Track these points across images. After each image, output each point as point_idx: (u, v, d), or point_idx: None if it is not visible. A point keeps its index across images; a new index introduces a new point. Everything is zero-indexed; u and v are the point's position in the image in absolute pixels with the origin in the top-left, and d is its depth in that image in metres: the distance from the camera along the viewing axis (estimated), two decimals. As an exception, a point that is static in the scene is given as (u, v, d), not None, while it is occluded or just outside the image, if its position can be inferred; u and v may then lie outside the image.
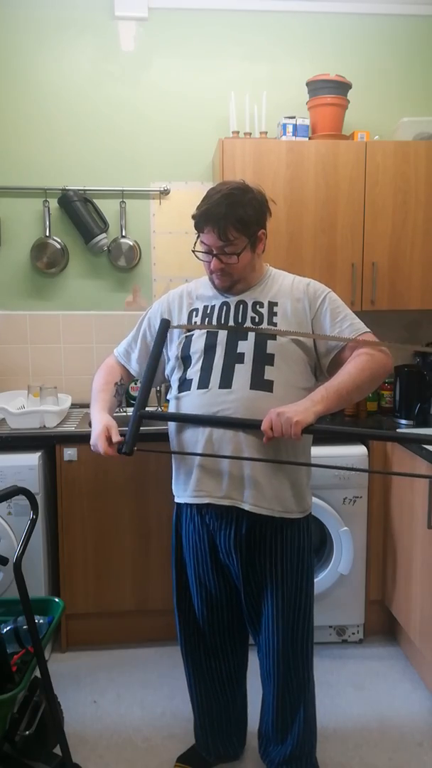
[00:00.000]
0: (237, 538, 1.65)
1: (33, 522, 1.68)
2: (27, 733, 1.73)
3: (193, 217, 1.64)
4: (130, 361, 1.87)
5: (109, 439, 1.62)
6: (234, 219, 1.59)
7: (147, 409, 1.68)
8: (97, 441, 1.64)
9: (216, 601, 1.76)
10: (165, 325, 1.73)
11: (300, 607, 1.72)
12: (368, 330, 1.71)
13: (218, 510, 1.64)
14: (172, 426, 1.73)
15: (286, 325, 1.67)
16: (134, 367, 1.87)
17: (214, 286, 1.74)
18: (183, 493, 1.71)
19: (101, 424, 1.66)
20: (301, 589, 1.72)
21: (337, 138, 2.70)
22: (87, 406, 2.82)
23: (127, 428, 1.61)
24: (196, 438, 1.63)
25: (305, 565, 1.73)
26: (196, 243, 1.69)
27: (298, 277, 1.79)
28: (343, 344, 1.68)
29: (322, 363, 1.71)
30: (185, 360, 1.70)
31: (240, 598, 1.74)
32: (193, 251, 1.68)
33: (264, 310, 1.69)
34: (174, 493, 1.77)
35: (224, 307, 1.72)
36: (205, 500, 1.65)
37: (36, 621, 1.66)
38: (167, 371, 1.79)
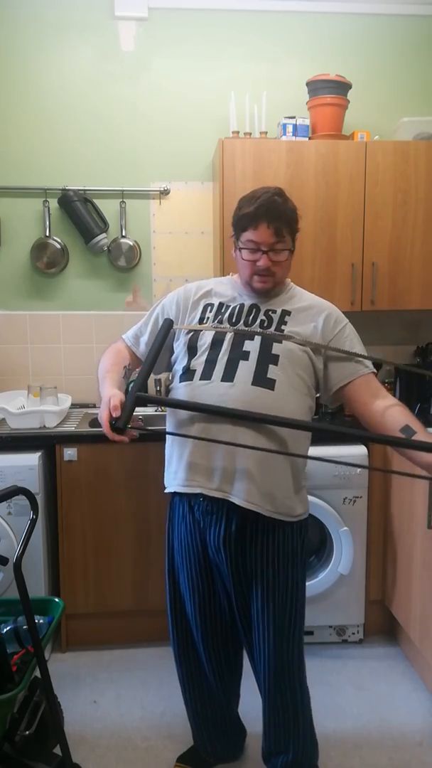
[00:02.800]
0: (226, 534, 1.63)
1: (33, 522, 1.68)
2: (27, 733, 1.73)
3: (244, 215, 1.63)
4: (139, 344, 1.85)
5: (110, 412, 1.54)
6: (288, 217, 1.63)
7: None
8: (101, 418, 1.55)
9: (208, 605, 1.75)
10: (168, 325, 1.73)
11: (291, 613, 1.70)
12: (375, 371, 1.73)
13: (209, 504, 1.63)
14: (170, 420, 1.72)
15: (294, 333, 1.67)
16: (142, 350, 1.84)
17: (251, 289, 1.71)
18: (173, 482, 1.69)
19: (108, 396, 1.58)
20: (292, 594, 1.70)
21: (337, 138, 2.70)
22: (87, 405, 2.86)
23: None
24: (193, 431, 1.62)
25: (297, 570, 1.71)
26: (237, 243, 1.68)
27: (318, 297, 1.79)
28: (355, 377, 1.68)
29: (329, 386, 1.71)
30: (191, 350, 1.70)
31: (231, 602, 1.73)
32: (239, 249, 1.67)
33: (275, 316, 1.70)
34: (165, 484, 1.74)
35: (237, 308, 1.72)
36: (197, 490, 1.63)
37: (36, 621, 1.65)
38: (172, 359, 1.78)
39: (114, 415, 1.52)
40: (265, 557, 1.66)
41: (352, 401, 1.70)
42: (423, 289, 2.73)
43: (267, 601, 1.67)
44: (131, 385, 1.68)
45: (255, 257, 1.64)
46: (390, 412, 1.62)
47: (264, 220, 1.61)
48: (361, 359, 1.70)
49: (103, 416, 1.53)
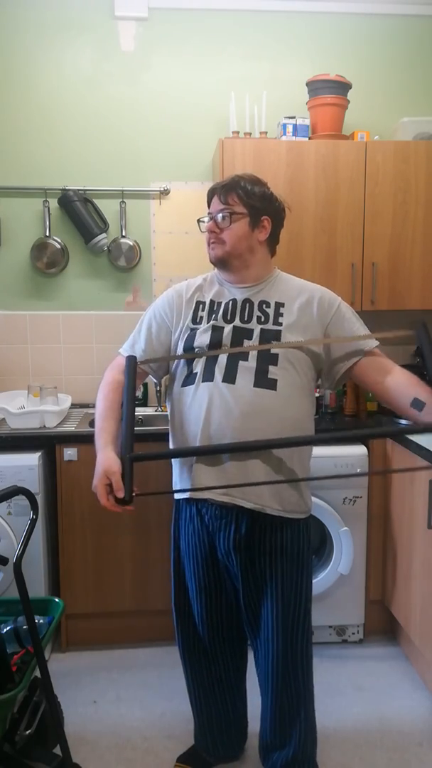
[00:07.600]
0: (236, 538, 1.64)
1: (33, 522, 1.68)
2: (27, 733, 1.73)
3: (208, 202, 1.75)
4: (136, 352, 1.82)
5: (108, 486, 1.53)
6: (237, 188, 1.69)
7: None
8: (96, 490, 1.54)
9: (215, 604, 1.76)
10: (132, 362, 1.67)
11: (299, 609, 1.72)
12: (378, 342, 1.73)
13: (218, 509, 1.64)
14: (174, 437, 1.72)
15: (291, 326, 1.67)
16: (141, 358, 1.80)
17: (212, 263, 1.73)
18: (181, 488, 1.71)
19: (102, 468, 1.54)
20: (300, 590, 1.71)
21: (337, 138, 2.70)
22: (87, 405, 2.85)
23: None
24: (196, 434, 1.62)
25: (305, 567, 1.72)
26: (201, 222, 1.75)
27: (306, 281, 1.79)
28: (359, 357, 1.69)
29: (334, 371, 1.71)
30: (188, 352, 1.69)
31: (239, 600, 1.74)
32: (198, 221, 1.74)
33: (270, 310, 1.69)
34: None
35: (230, 304, 1.71)
36: (205, 495, 1.64)
37: (36, 621, 1.65)
38: (172, 367, 1.77)
39: (118, 495, 1.51)
40: (275, 556, 1.67)
41: (362, 380, 1.72)
42: (423, 289, 2.73)
43: (277, 598, 1.68)
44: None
45: (206, 227, 1.71)
46: (399, 387, 1.65)
47: (215, 192, 1.71)
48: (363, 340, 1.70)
49: (102, 501, 1.52)
